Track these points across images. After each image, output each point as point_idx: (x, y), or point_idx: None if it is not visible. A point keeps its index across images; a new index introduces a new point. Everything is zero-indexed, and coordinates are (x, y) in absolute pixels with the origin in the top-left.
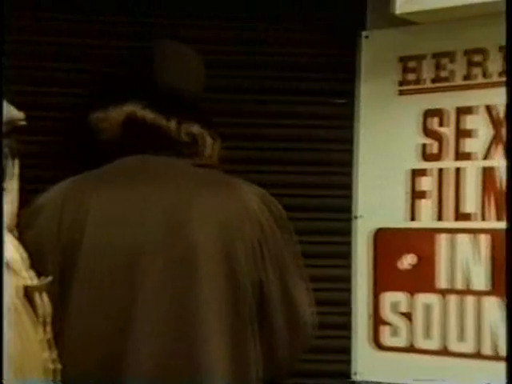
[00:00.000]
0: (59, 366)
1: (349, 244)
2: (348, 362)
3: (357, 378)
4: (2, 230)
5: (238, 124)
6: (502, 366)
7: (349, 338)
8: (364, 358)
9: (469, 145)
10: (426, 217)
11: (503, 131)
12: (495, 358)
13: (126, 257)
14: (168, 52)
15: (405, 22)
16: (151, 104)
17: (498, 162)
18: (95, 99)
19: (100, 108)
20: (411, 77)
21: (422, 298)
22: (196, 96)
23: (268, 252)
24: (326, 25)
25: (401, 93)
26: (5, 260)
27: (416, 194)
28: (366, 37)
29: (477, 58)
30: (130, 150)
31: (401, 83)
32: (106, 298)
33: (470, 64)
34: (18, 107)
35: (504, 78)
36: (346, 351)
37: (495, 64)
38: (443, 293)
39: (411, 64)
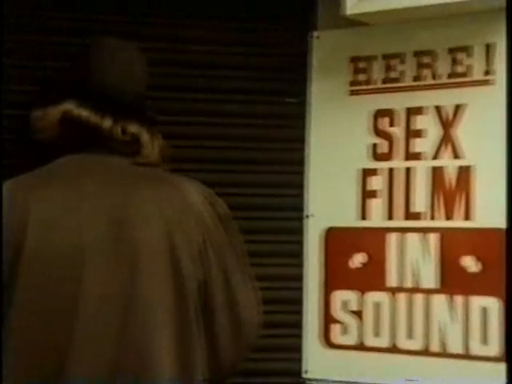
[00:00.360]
0: None
1: (300, 243)
2: (299, 361)
3: (307, 376)
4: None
5: (190, 123)
6: (449, 363)
7: (300, 336)
8: (315, 357)
9: (418, 145)
10: (377, 216)
11: (452, 132)
12: (443, 355)
13: (67, 257)
14: (106, 49)
15: (356, 22)
16: (87, 102)
17: (447, 161)
18: (37, 97)
19: (39, 106)
20: (362, 77)
21: (372, 297)
22: (135, 94)
23: (212, 251)
24: (278, 25)
25: (352, 93)
26: None
27: (367, 194)
28: (317, 37)
29: (426, 60)
30: (68, 149)
31: (352, 83)
32: (48, 298)
33: (420, 65)
34: None
35: (453, 80)
36: (297, 350)
37: (444, 66)
38: (393, 291)
39: (362, 64)
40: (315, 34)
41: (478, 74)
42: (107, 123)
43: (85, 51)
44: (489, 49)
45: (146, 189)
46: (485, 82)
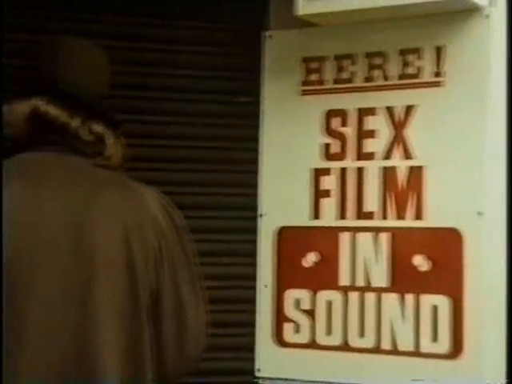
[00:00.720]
0: None
1: (254, 242)
2: (252, 360)
3: (260, 374)
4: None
5: (143, 122)
6: (400, 360)
7: (253, 335)
8: (267, 355)
9: (370, 145)
10: (329, 215)
11: (403, 132)
12: (394, 352)
13: (23, 256)
14: (71, 48)
15: (308, 23)
16: (56, 100)
17: (399, 162)
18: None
19: (9, 101)
20: (314, 77)
21: (325, 295)
22: (100, 95)
23: (167, 259)
24: (231, 24)
25: (304, 93)
26: None
27: (319, 193)
28: (270, 37)
29: (377, 61)
30: (32, 146)
31: (304, 83)
32: (6, 297)
33: (371, 66)
34: None
35: (404, 81)
36: (250, 349)
37: (395, 67)
38: (345, 290)
39: (314, 65)
40: (268, 33)
41: (428, 76)
42: (75, 123)
43: (49, 49)
44: (439, 51)
45: (105, 192)
46: (435, 84)
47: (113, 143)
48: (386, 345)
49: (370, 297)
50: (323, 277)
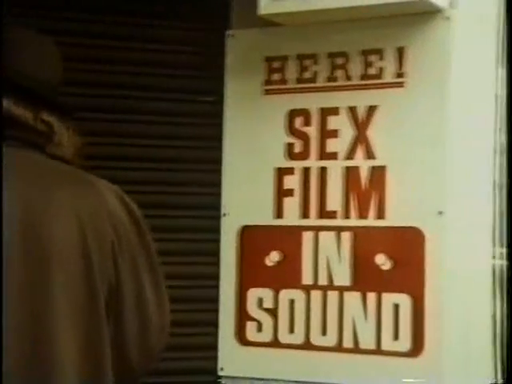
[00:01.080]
0: None
1: (218, 241)
2: (215, 359)
3: (223, 373)
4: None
5: (104, 120)
6: (361, 359)
7: (216, 334)
8: (230, 354)
9: (333, 145)
10: (292, 215)
11: (365, 132)
12: (356, 351)
13: None
14: (22, 40)
15: (270, 22)
16: (7, 92)
17: (361, 161)
18: None
19: None
20: (276, 77)
21: (287, 294)
22: (50, 85)
23: (125, 253)
24: (194, 23)
25: (266, 92)
26: None
27: (282, 192)
28: (232, 36)
29: (339, 61)
30: None
31: (266, 83)
32: None
33: (333, 66)
34: None
35: (366, 81)
36: (213, 348)
37: (356, 67)
38: (307, 289)
39: (276, 64)
40: (230, 32)
41: (390, 77)
42: (28, 114)
43: (6, 42)
44: (400, 52)
45: (60, 186)
46: (397, 85)
47: (64, 132)
48: (347, 343)
49: (333, 295)
50: (286, 276)
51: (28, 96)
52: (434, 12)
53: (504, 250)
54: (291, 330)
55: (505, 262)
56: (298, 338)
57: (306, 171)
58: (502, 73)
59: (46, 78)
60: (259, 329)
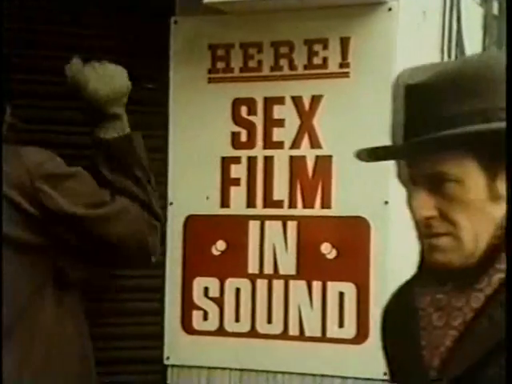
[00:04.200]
0: None
1: (164, 231)
2: (161, 348)
3: (169, 362)
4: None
5: (48, 107)
6: (306, 346)
7: (162, 323)
8: (176, 343)
9: (277, 134)
10: (238, 204)
11: (310, 122)
12: (301, 338)
13: None
14: None
15: (215, 10)
16: None
17: (306, 151)
18: None
19: None
20: (220, 65)
21: (233, 283)
22: None
23: None
24: (138, 9)
25: (210, 80)
26: None
27: (228, 182)
28: (175, 22)
29: (283, 50)
30: None
31: (210, 71)
32: None
33: (277, 55)
34: None
35: (310, 71)
36: (159, 337)
37: (301, 56)
38: (253, 277)
39: (220, 52)
40: (174, 19)
41: (333, 67)
42: None
43: None
44: (344, 42)
45: None
46: (341, 75)
47: None
48: (293, 331)
49: (278, 284)
50: (232, 265)
51: None
52: (376, 3)
53: None
54: (237, 319)
55: None
56: (243, 326)
57: (252, 160)
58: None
59: None
60: (205, 318)
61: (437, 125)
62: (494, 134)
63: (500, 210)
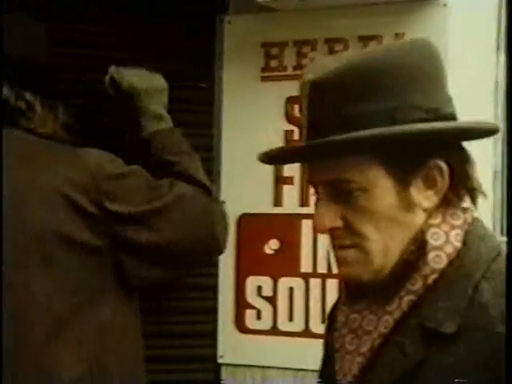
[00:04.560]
0: None
1: None
2: (214, 346)
3: (222, 361)
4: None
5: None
6: None
7: (215, 322)
8: (229, 342)
9: None
10: (290, 202)
11: None
12: None
13: None
14: (9, 22)
15: (267, 8)
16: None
17: None
18: None
19: None
20: (273, 63)
21: (286, 282)
22: (35, 65)
23: None
24: (189, 8)
25: (263, 79)
26: None
27: (281, 180)
28: (229, 22)
29: (337, 47)
30: None
31: (263, 70)
32: None
33: (331, 52)
34: None
35: None
36: (212, 335)
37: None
38: (306, 276)
39: (273, 51)
40: (227, 18)
41: None
42: (9, 92)
43: None
44: (399, 38)
45: (46, 164)
46: None
47: (41, 110)
48: None
49: (332, 283)
50: (285, 264)
51: (13, 77)
52: None
53: (504, 239)
54: (290, 318)
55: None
56: (297, 325)
57: None
58: (503, 59)
59: (32, 60)
60: (258, 317)
61: (340, 126)
62: (404, 136)
63: (416, 220)
